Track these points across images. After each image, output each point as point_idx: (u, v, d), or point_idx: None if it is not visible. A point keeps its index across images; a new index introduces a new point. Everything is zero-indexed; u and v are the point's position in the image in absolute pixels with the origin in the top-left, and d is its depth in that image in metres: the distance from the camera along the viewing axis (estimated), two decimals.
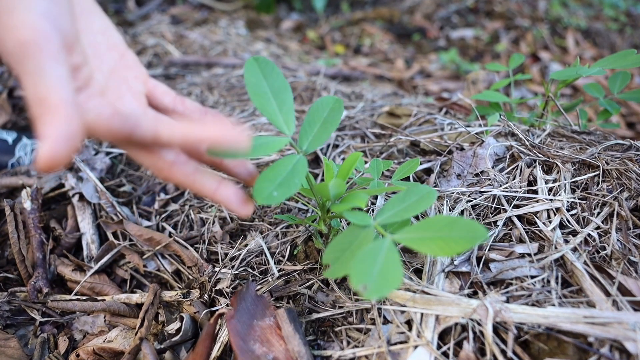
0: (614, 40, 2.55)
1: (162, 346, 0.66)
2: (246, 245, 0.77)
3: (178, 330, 0.66)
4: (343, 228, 0.69)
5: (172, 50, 1.68)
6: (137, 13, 2.24)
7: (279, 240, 0.77)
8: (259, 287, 0.68)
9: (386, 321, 0.60)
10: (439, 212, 0.71)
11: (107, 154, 1.03)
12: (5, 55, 0.36)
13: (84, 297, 0.75)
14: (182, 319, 0.67)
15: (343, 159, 0.92)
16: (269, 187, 0.49)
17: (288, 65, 1.58)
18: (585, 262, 0.63)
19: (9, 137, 1.22)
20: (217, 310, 0.67)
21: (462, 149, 0.84)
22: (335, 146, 0.98)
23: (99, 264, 0.80)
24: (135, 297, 0.75)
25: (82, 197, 0.90)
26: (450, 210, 0.71)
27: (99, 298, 0.75)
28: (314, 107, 0.59)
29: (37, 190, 0.88)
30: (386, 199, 0.76)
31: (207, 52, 1.70)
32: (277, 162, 0.52)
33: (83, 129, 0.36)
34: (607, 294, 0.59)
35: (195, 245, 0.81)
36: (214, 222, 0.83)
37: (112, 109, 0.41)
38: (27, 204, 0.86)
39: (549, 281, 0.61)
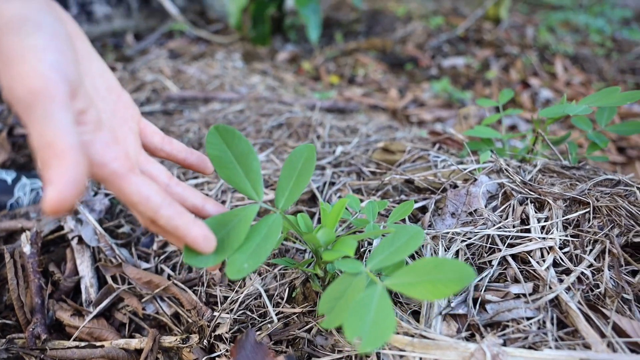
0: (601, 65, 2.61)
1: None
2: (244, 288, 0.77)
3: None
4: (339, 272, 0.70)
5: (170, 85, 1.71)
6: (135, 48, 2.29)
7: (277, 281, 0.78)
8: (258, 332, 0.68)
9: None
10: (435, 252, 0.72)
11: (106, 194, 1.04)
12: (14, 102, 0.38)
13: (82, 344, 0.75)
14: None
15: (339, 196, 0.93)
16: (241, 259, 0.50)
17: (284, 99, 1.61)
18: (579, 302, 0.64)
19: (8, 177, 1.23)
20: (217, 356, 0.67)
21: (455, 186, 0.85)
22: (332, 184, 0.99)
23: (98, 308, 0.81)
24: (134, 343, 0.75)
25: (81, 240, 0.91)
26: (445, 250, 0.72)
27: (98, 344, 0.75)
28: (288, 161, 0.60)
29: (36, 234, 0.89)
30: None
31: (204, 87, 1.74)
32: (252, 229, 0.53)
33: (88, 173, 0.37)
34: (602, 334, 0.60)
35: (194, 288, 0.81)
36: None
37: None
38: (27, 248, 0.86)
39: (544, 322, 0.62)
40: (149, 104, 1.62)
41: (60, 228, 0.96)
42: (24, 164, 1.44)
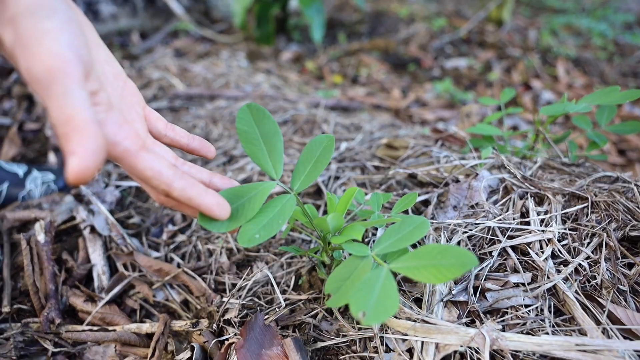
0: (603, 68, 2.64)
1: None
2: (252, 275, 0.80)
3: None
4: (344, 258, 0.73)
5: (177, 83, 1.74)
6: (141, 46, 2.31)
7: (283, 270, 0.80)
8: (266, 317, 0.70)
9: (388, 349, 0.62)
10: (437, 242, 0.74)
11: (117, 187, 1.07)
12: (33, 81, 0.41)
13: (95, 328, 0.78)
14: (192, 348, 0.69)
15: (344, 190, 0.96)
16: (253, 229, 0.53)
17: (288, 97, 1.63)
18: (576, 291, 0.66)
19: (20, 170, 1.25)
20: (226, 339, 0.70)
21: (457, 181, 0.88)
22: (337, 178, 1.02)
23: (110, 294, 0.83)
24: (145, 327, 0.78)
25: (93, 230, 0.94)
26: (447, 241, 0.75)
27: (110, 328, 0.78)
28: (308, 147, 0.63)
29: (50, 223, 0.92)
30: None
31: (210, 85, 1.76)
32: (267, 205, 0.56)
33: (106, 144, 0.40)
34: (598, 322, 0.62)
35: (203, 276, 0.84)
36: (221, 253, 0.86)
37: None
38: (41, 237, 0.89)
39: (542, 310, 0.64)
40: (156, 100, 1.64)
41: (72, 218, 0.99)
42: (34, 158, 1.47)
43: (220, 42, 2.58)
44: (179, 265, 0.87)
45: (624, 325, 0.62)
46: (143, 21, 2.66)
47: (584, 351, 0.56)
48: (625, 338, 0.61)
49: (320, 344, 0.66)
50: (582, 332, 0.61)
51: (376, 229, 0.81)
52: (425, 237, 0.76)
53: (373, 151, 1.12)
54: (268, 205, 0.56)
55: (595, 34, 3.62)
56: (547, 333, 0.61)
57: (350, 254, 0.68)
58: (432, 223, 0.78)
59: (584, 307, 0.64)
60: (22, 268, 0.93)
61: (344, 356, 0.64)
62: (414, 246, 0.76)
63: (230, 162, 1.14)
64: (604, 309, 0.64)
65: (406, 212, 0.81)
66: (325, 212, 0.91)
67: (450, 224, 0.77)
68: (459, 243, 0.74)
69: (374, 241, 0.78)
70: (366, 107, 1.93)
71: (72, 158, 0.38)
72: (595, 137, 1.03)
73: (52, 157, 1.40)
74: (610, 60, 2.74)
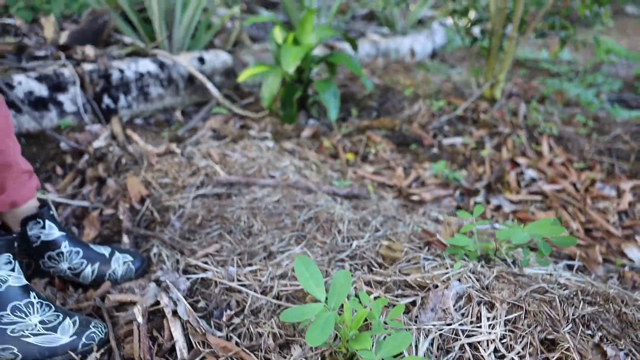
0: (583, 145, 3.01)
1: None
2: (292, 355, 1.15)
3: None
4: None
5: (219, 169, 2.14)
6: (185, 127, 2.74)
7: (313, 351, 1.16)
8: None
9: None
10: (417, 340, 1.10)
11: (188, 278, 1.44)
12: None
13: None
14: None
15: (355, 288, 1.32)
16: (314, 333, 0.90)
17: (310, 185, 2.02)
18: None
19: (106, 251, 1.64)
20: None
21: (436, 286, 1.24)
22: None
23: None
24: None
25: (174, 313, 1.30)
26: (425, 337, 1.10)
27: None
28: (335, 280, 1.01)
29: (145, 307, 1.29)
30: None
31: (245, 171, 2.16)
32: (318, 317, 0.93)
33: None
34: None
35: (255, 352, 1.20)
36: (268, 336, 1.22)
37: None
38: (140, 319, 1.26)
39: None
40: (203, 187, 2.04)
41: (157, 302, 1.36)
42: (108, 237, 1.86)
43: (249, 118, 3.01)
44: (237, 344, 1.23)
45: None
46: (184, 98, 3.11)
47: None
48: None
49: None
50: None
51: None
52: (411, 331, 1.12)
53: (377, 249, 1.49)
54: (319, 318, 0.93)
55: (584, 103, 4.02)
56: None
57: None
58: (415, 323, 1.14)
59: None
60: (122, 339, 1.29)
61: None
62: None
63: (269, 257, 1.51)
64: None
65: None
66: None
67: (427, 326, 1.12)
68: (433, 339, 1.09)
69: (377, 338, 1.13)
70: (374, 188, 2.31)
71: None
72: (542, 246, 1.39)
73: (125, 238, 1.78)
74: (589, 136, 3.11)
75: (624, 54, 6.40)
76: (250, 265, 1.49)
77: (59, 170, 2.25)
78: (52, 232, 1.54)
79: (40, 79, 2.42)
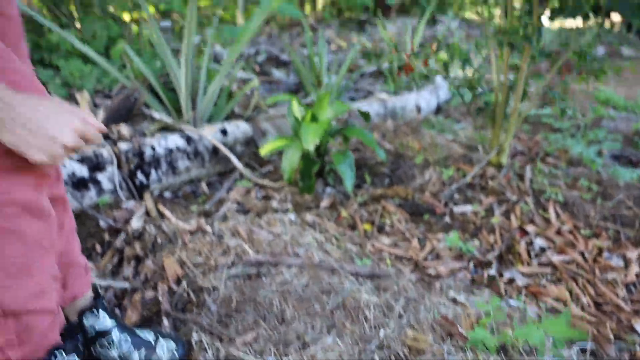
0: (588, 210, 3.15)
1: None
2: None
3: None
4: None
5: (247, 248, 2.29)
6: (212, 201, 2.92)
7: None
8: None
9: None
10: None
11: None
12: None
13: None
14: None
15: None
16: None
17: (333, 264, 2.16)
18: None
19: (150, 337, 1.77)
20: None
21: None
22: None
23: None
24: None
25: None
26: None
27: None
28: None
29: None
30: None
31: (272, 248, 2.32)
32: None
33: None
34: None
35: None
36: None
37: None
38: None
39: None
40: (234, 267, 2.19)
41: None
42: (147, 317, 2.00)
43: (269, 187, 3.20)
44: None
45: None
46: (208, 170, 3.32)
47: None
48: None
49: None
50: None
51: None
52: None
53: (403, 339, 1.62)
54: None
55: (586, 161, 4.19)
56: None
57: None
58: None
59: None
60: None
61: None
62: None
63: (304, 347, 1.64)
64: None
65: None
66: None
67: None
68: None
69: None
70: (391, 261, 2.45)
71: None
72: (557, 342, 1.51)
73: (165, 321, 1.92)
74: (594, 201, 3.26)
75: (622, 104, 6.62)
76: (286, 355, 1.61)
77: (98, 248, 2.41)
78: (104, 321, 1.68)
79: (82, 160, 2.63)
